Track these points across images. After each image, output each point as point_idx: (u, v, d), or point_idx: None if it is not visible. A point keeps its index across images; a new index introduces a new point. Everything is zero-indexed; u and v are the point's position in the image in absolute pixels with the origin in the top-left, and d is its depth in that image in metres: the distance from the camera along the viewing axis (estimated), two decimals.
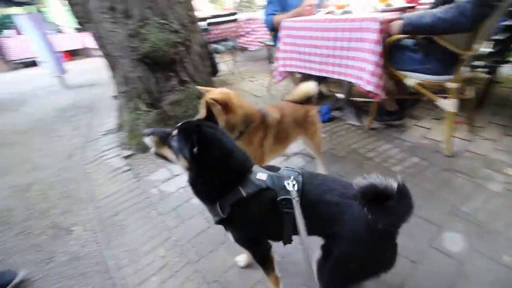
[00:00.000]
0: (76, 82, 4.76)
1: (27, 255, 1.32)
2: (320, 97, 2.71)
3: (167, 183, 1.69)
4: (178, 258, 1.20)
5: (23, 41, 7.25)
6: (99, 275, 1.19)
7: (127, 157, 2.00)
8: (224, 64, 3.93)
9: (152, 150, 0.83)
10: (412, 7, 2.10)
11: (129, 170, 1.85)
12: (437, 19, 1.37)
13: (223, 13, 4.02)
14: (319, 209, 0.71)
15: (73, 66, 6.34)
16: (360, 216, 0.65)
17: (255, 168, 0.79)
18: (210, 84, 2.30)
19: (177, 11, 1.84)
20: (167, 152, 0.78)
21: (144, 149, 2.01)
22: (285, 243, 0.80)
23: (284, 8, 2.40)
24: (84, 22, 1.84)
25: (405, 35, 1.57)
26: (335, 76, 1.86)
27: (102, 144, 2.25)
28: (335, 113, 2.35)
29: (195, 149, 0.69)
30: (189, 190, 1.57)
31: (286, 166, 0.81)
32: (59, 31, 7.51)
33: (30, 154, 2.30)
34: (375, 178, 0.62)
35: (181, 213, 1.45)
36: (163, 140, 0.78)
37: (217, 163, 0.74)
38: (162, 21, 1.76)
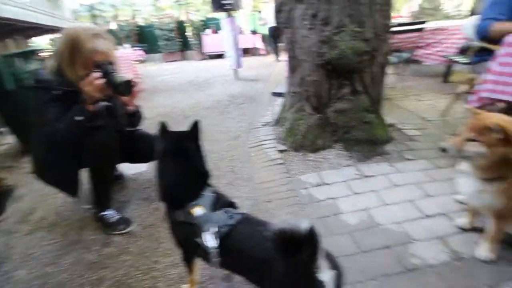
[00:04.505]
0: (244, 76, 5.66)
1: None
2: None
3: (316, 189, 1.69)
4: None
5: (215, 39, 9.37)
6: None
7: (281, 151, 2.15)
8: (387, 76, 3.57)
9: None
10: None
11: (282, 164, 1.99)
12: None
13: (408, 21, 3.63)
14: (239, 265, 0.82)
15: (244, 62, 7.62)
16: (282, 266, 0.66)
17: (202, 199, 0.89)
18: (381, 98, 2.12)
19: (375, 19, 1.76)
20: None
21: (298, 148, 2.11)
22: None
23: None
24: (284, 27, 2.08)
25: None
26: None
27: (261, 134, 2.54)
28: None
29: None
30: (339, 203, 1.54)
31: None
32: (241, 32, 9.13)
33: (210, 127, 2.90)
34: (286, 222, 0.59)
35: (328, 225, 1.40)
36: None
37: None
38: (357, 29, 1.73)
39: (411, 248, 1.23)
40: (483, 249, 1.15)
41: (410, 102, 3.09)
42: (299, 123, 2.13)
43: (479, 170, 1.02)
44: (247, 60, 7.86)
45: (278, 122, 2.67)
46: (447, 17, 5.08)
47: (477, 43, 2.22)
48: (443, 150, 1.04)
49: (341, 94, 1.95)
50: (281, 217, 1.46)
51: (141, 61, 8.30)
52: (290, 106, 2.31)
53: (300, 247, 0.59)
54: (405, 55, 3.32)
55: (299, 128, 2.11)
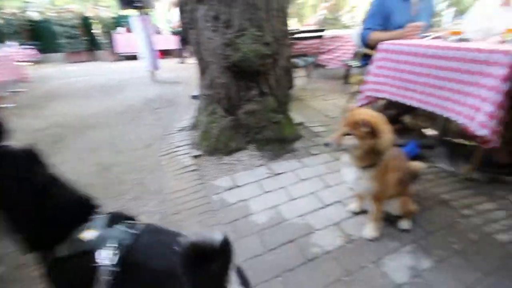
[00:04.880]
0: (163, 78, 5.32)
1: None
2: (404, 131, 2.40)
3: (229, 192, 1.66)
4: None
5: (129, 38, 8.55)
6: None
7: (196, 156, 2.06)
8: (297, 79, 3.87)
9: None
10: None
11: (196, 170, 1.90)
12: None
13: (310, 29, 3.99)
14: (144, 279, 0.67)
15: (163, 63, 7.18)
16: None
17: (92, 221, 0.73)
18: (288, 99, 2.25)
19: (273, 24, 1.84)
20: None
21: (212, 152, 2.06)
22: None
23: (386, 25, 2.15)
24: (189, 28, 1.99)
25: None
26: (437, 111, 1.58)
27: (176, 140, 2.39)
28: (423, 152, 2.03)
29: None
30: (251, 204, 1.55)
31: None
32: (158, 32, 8.59)
33: (117, 137, 2.59)
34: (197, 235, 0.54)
35: (238, 229, 1.39)
36: None
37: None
38: (257, 33, 1.78)
39: (312, 238, 1.32)
40: (369, 229, 1.31)
41: (317, 102, 3.41)
42: (212, 126, 2.08)
43: (356, 159, 1.16)
44: (168, 62, 7.46)
45: (195, 126, 2.57)
46: (345, 26, 5.85)
47: (362, 49, 2.59)
48: (326, 144, 1.14)
49: (250, 95, 1.99)
50: (191, 227, 1.38)
51: (35, 62, 6.97)
52: (204, 109, 2.24)
53: (213, 261, 0.54)
54: (310, 59, 3.65)
55: (212, 131, 2.07)
